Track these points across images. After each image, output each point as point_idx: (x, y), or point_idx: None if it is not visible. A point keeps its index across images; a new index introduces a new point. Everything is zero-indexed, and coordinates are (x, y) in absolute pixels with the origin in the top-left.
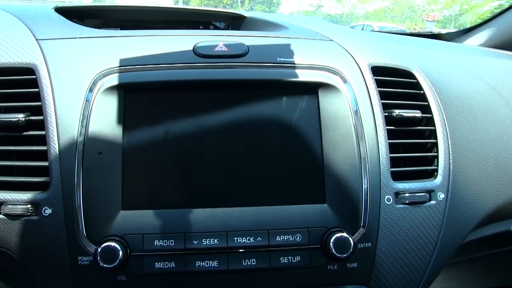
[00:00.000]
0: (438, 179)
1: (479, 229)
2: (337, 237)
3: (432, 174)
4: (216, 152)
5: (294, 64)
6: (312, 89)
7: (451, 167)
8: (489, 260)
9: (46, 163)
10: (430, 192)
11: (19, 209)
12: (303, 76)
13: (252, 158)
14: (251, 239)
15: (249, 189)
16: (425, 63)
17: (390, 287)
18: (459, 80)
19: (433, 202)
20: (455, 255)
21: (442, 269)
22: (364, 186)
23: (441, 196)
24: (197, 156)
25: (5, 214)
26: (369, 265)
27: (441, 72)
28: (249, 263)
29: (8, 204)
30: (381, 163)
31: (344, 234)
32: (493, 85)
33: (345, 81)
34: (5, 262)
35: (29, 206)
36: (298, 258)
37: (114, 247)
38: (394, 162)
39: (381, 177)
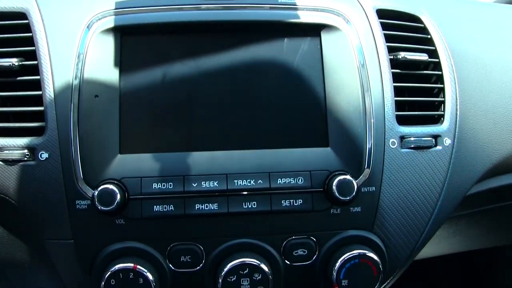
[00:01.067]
0: (445, 125)
1: (484, 181)
2: (340, 179)
3: (438, 120)
4: (216, 95)
5: (295, 5)
6: (314, 31)
7: (458, 113)
8: (492, 215)
9: (41, 108)
10: (436, 137)
11: (15, 154)
12: (305, 17)
13: (252, 101)
14: (252, 182)
15: (250, 132)
16: (433, 10)
17: (393, 233)
18: (470, 30)
19: (439, 147)
20: (458, 207)
21: (445, 223)
22: (368, 129)
23: (448, 142)
24: (196, 99)
25: (2, 160)
26: (372, 210)
27: (451, 20)
28: (250, 206)
29: (5, 150)
30: (385, 106)
31: (348, 177)
32: (505, 36)
33: (348, 23)
34: (4, 209)
35: (25, 151)
36: (300, 201)
37: (111, 190)
38: (399, 106)
39: (386, 120)
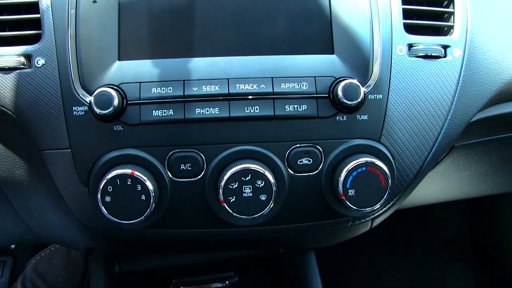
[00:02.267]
0: (455, 35)
1: (490, 108)
2: (346, 83)
3: (448, 32)
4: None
5: None
6: None
7: (469, 25)
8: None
9: (38, 15)
10: (446, 47)
11: (11, 61)
12: None
13: (255, 5)
14: (254, 86)
15: (252, 38)
16: None
17: (401, 145)
18: None
19: (448, 58)
20: (468, 134)
21: (454, 153)
22: (375, 36)
23: (458, 53)
24: (197, 3)
25: None
26: (380, 119)
27: None
28: (252, 111)
29: (0, 58)
30: (392, 13)
31: (354, 81)
32: None
33: None
34: (1, 121)
35: (21, 58)
36: (305, 107)
37: (109, 93)
38: (407, 15)
39: (393, 27)
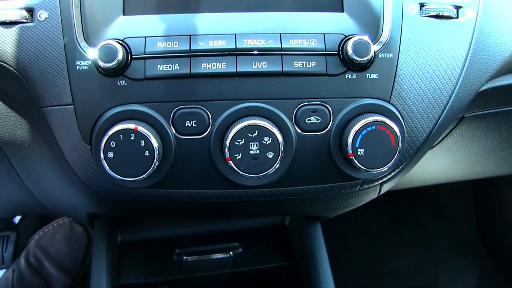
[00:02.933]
0: None
1: (500, 77)
2: (356, 40)
3: None
4: None
5: None
6: None
7: None
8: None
9: None
10: (458, 8)
11: (13, 15)
12: None
13: None
14: (262, 42)
15: None
16: None
17: (412, 107)
18: None
19: (461, 19)
20: (472, 105)
21: (463, 124)
22: None
23: (470, 14)
24: None
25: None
26: (390, 78)
27: None
28: (260, 66)
29: (1, 11)
30: None
31: (365, 37)
32: None
33: None
34: (2, 78)
35: (23, 12)
36: (313, 63)
37: (113, 46)
38: None
39: None
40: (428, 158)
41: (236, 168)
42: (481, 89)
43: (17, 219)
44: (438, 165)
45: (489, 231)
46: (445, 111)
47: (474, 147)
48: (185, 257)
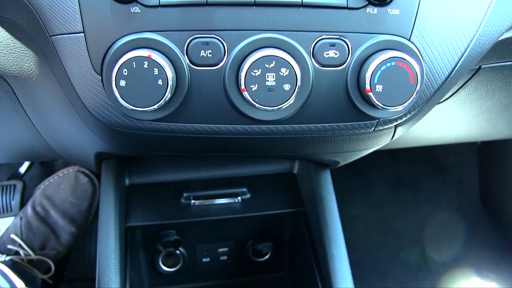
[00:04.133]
0: None
1: None
2: None
3: None
4: None
5: None
6: None
7: None
8: None
9: None
10: None
11: None
12: None
13: None
14: None
15: None
16: None
17: (432, 47)
18: None
19: None
20: (490, 54)
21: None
22: None
23: None
24: None
25: None
26: (411, 15)
27: None
28: None
29: None
30: None
31: None
32: None
33: None
34: (8, 5)
35: None
36: None
37: None
38: None
39: None
40: (439, 113)
41: (251, 100)
42: (502, 38)
43: (22, 169)
44: (448, 123)
45: (492, 195)
46: (465, 54)
47: (487, 103)
48: (192, 201)
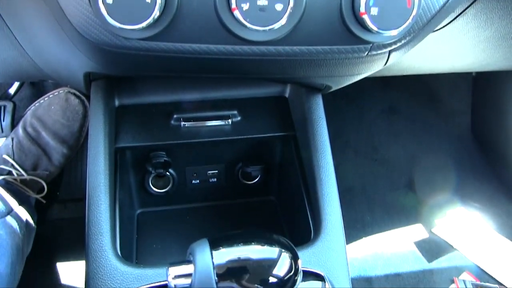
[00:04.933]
0: None
1: None
2: None
3: None
4: None
5: None
6: None
7: None
8: None
9: None
10: None
11: None
12: None
13: None
14: None
15: None
16: None
17: None
18: None
19: None
20: None
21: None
22: None
23: None
24: None
25: None
26: None
27: None
28: None
29: None
30: None
31: None
32: None
33: None
34: None
35: None
36: None
37: None
38: None
39: None
40: (435, 41)
41: (242, 20)
42: None
43: (12, 90)
44: (443, 52)
45: (483, 127)
46: None
47: (485, 32)
48: (183, 123)
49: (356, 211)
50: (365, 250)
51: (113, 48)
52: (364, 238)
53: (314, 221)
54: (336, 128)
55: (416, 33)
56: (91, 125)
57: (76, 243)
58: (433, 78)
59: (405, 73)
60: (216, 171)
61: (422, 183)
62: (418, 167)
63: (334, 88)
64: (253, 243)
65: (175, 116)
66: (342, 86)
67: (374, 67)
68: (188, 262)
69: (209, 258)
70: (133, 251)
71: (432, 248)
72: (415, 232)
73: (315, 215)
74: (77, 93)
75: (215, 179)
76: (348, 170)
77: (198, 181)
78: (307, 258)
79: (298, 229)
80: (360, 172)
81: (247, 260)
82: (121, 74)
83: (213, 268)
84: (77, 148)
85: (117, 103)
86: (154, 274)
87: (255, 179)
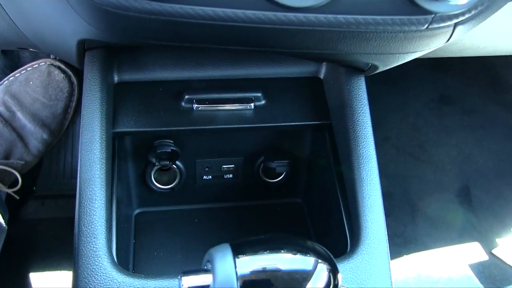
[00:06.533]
0: None
1: None
2: None
3: None
4: None
5: None
6: None
7: None
8: None
9: None
10: None
11: None
12: None
13: None
14: None
15: None
16: None
17: None
18: None
19: None
20: None
21: None
22: None
23: None
24: None
25: None
26: None
27: None
28: None
29: None
30: None
31: None
32: None
33: None
34: None
35: None
36: None
37: None
38: None
39: None
40: (510, 15)
41: None
42: None
43: None
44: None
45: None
46: None
47: None
48: (195, 105)
49: (396, 222)
50: (407, 271)
51: (119, 10)
52: (405, 256)
53: (351, 230)
54: (375, 118)
55: (490, 2)
56: (84, 104)
57: (55, 247)
58: (500, 61)
59: (465, 55)
60: (233, 166)
61: (480, 191)
62: (475, 171)
63: (381, 69)
64: (283, 251)
65: (186, 96)
66: (391, 66)
67: (433, 44)
68: (205, 271)
69: (232, 267)
70: (130, 258)
71: (492, 274)
72: (470, 252)
73: (353, 222)
74: (62, 66)
75: (231, 175)
76: (388, 171)
77: (210, 176)
78: (342, 274)
79: (330, 239)
80: (403, 175)
81: (276, 271)
82: (123, 43)
83: (237, 280)
84: (60, 134)
85: (116, 78)
86: (158, 285)
87: (279, 176)
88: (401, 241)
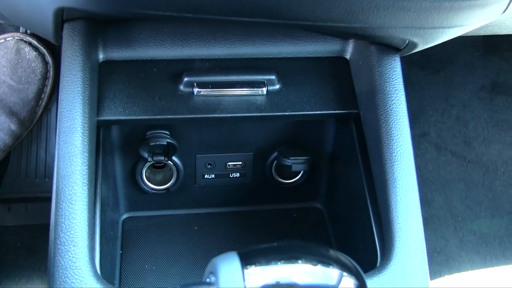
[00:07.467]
0: None
1: None
2: None
3: None
4: None
5: None
6: None
7: None
8: None
9: None
10: None
11: None
12: None
13: None
14: None
15: None
16: None
17: None
18: None
19: None
20: None
21: None
22: None
23: None
24: None
25: None
26: None
27: None
28: None
29: None
30: None
31: None
32: None
33: None
34: None
35: None
36: None
37: None
38: None
39: None
40: None
41: None
42: None
43: None
44: None
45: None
46: None
47: None
48: (196, 89)
49: (436, 236)
50: None
51: None
52: (446, 276)
53: (382, 241)
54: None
55: None
56: (62, 87)
57: (23, 260)
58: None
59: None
60: (240, 163)
61: None
62: None
63: (421, 47)
64: (300, 261)
65: (185, 79)
66: (432, 44)
67: (485, 16)
68: (209, 284)
69: (240, 280)
70: (116, 271)
71: None
72: None
73: (385, 231)
74: (34, 42)
75: (238, 174)
76: (426, 174)
77: (213, 175)
78: None
79: (356, 251)
80: (444, 178)
81: (292, 285)
82: (109, 13)
83: None
84: (32, 124)
85: (101, 56)
86: None
87: (295, 176)
88: (442, 258)
